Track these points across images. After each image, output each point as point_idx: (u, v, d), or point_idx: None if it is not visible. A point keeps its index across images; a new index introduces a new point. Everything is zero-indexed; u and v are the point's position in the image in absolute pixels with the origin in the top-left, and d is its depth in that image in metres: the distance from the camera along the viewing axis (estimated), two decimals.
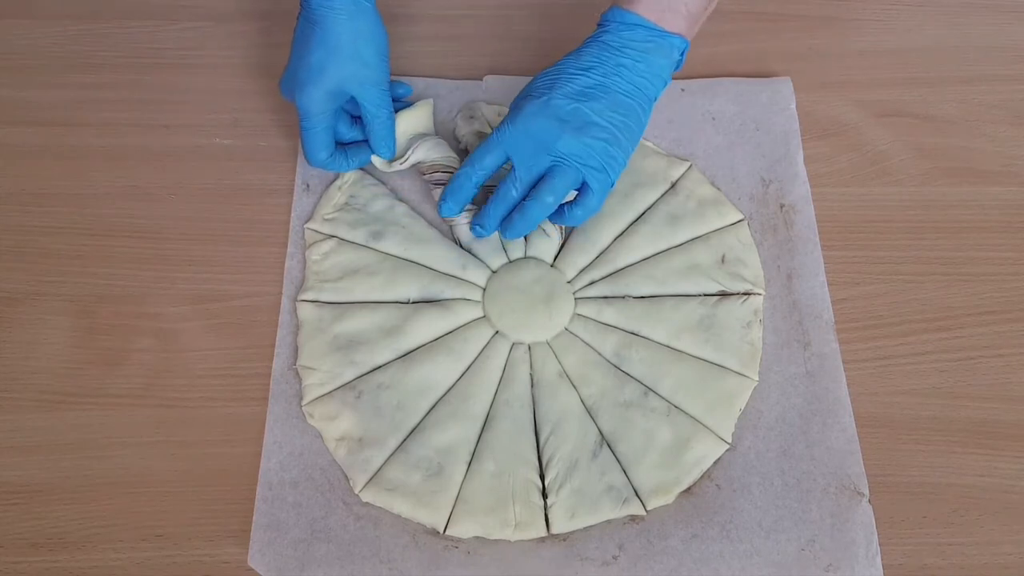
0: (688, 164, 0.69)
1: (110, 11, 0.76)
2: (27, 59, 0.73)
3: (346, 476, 0.57)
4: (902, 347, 0.63)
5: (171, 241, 0.65)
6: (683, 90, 0.72)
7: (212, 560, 0.55)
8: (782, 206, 0.67)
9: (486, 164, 0.60)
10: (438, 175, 0.65)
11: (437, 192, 0.65)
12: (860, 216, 0.68)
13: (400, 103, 0.68)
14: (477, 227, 0.62)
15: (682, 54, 0.60)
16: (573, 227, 0.66)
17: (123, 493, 0.56)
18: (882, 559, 0.55)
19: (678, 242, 0.65)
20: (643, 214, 0.66)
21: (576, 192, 0.60)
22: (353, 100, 0.63)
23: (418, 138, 0.66)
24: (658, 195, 0.67)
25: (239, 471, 0.57)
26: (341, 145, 0.66)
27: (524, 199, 0.59)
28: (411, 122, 0.67)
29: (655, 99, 0.60)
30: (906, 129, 0.72)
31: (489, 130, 0.68)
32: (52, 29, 0.75)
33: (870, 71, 0.75)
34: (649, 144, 0.70)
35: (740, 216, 0.66)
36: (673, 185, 0.68)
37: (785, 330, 0.63)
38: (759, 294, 0.63)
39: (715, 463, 0.58)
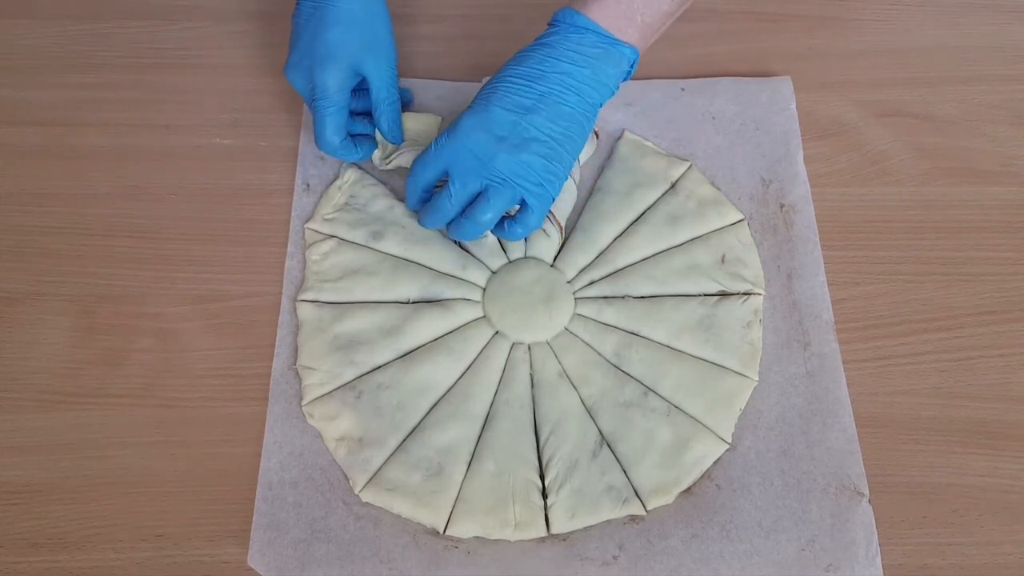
0: (688, 164, 0.69)
1: (110, 11, 0.76)
2: (27, 59, 0.73)
3: (346, 476, 0.57)
4: (902, 347, 0.63)
5: (171, 241, 0.65)
6: (683, 90, 0.72)
7: (212, 560, 0.55)
8: (782, 206, 0.67)
9: (427, 178, 0.59)
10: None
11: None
12: (860, 216, 0.68)
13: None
14: (420, 221, 0.62)
15: (632, 65, 0.59)
16: (573, 226, 0.66)
17: (123, 493, 0.56)
18: (882, 559, 0.55)
19: (678, 242, 0.65)
20: (643, 214, 0.66)
21: (518, 206, 0.60)
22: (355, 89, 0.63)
23: (410, 143, 0.67)
24: (658, 195, 0.67)
25: (239, 471, 0.57)
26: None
27: (462, 215, 0.59)
28: (415, 124, 0.68)
29: (600, 105, 0.59)
30: (906, 129, 0.72)
31: None
32: (52, 29, 0.75)
33: (870, 71, 0.75)
34: (649, 144, 0.70)
35: (740, 216, 0.66)
36: (673, 185, 0.68)
37: (785, 330, 0.63)
38: (759, 294, 0.63)
39: (715, 463, 0.58)
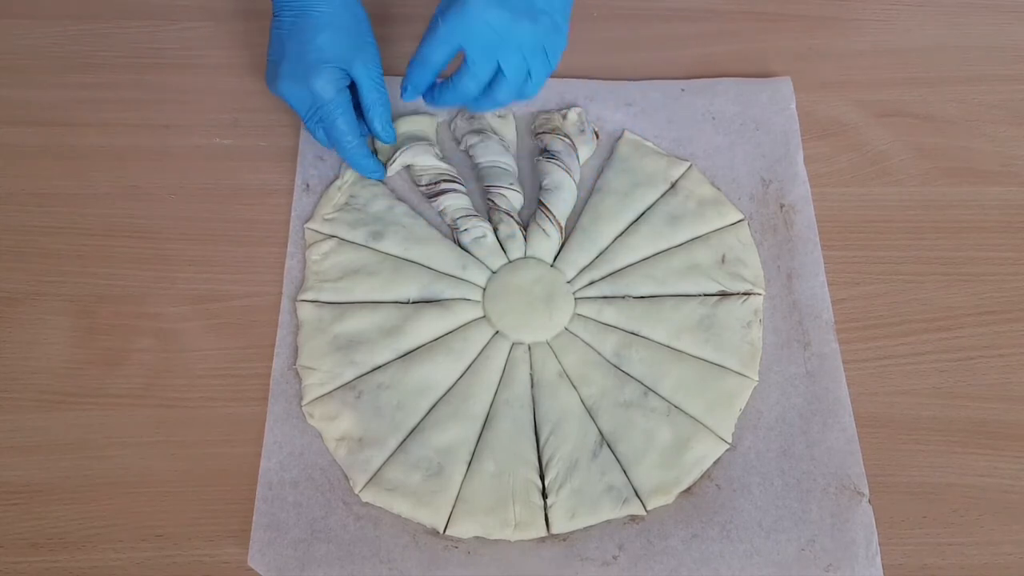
0: (688, 164, 0.68)
1: (110, 11, 0.76)
2: (27, 59, 0.73)
3: (346, 476, 0.57)
4: (902, 347, 0.63)
5: (171, 241, 0.65)
6: (683, 90, 0.72)
7: (212, 560, 0.55)
8: (782, 206, 0.67)
9: (438, 59, 0.59)
10: (443, 184, 0.65)
11: (435, 203, 0.66)
12: (860, 216, 0.68)
13: None
14: (428, 102, 0.63)
15: None
16: (573, 226, 0.66)
17: (123, 493, 0.56)
18: (882, 559, 0.55)
19: (678, 242, 0.65)
20: (643, 214, 0.66)
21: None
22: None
23: (408, 140, 0.67)
24: (658, 195, 0.67)
25: (239, 471, 0.57)
26: None
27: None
28: (411, 127, 0.68)
29: None
30: (906, 129, 0.72)
31: (491, 131, 0.68)
32: (52, 29, 0.75)
33: (870, 71, 0.75)
34: (649, 144, 0.70)
35: (740, 216, 0.66)
36: (673, 185, 0.68)
37: (785, 330, 0.63)
38: (759, 294, 0.63)
39: (715, 463, 0.58)
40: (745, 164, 0.69)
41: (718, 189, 0.68)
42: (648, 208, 0.67)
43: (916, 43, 0.77)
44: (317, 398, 0.59)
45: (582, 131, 0.69)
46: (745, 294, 0.63)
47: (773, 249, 0.66)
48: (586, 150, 0.68)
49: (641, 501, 0.56)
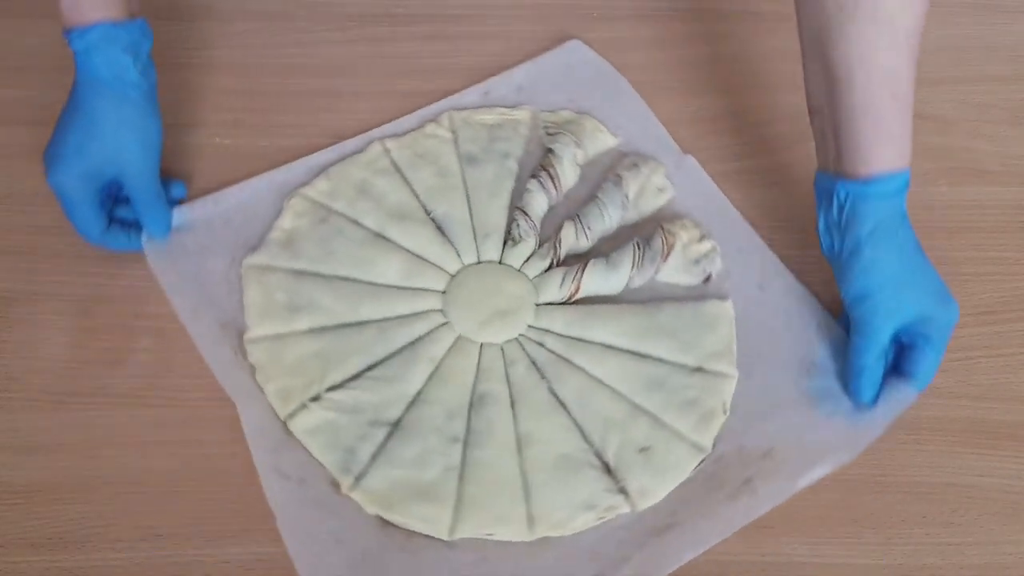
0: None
1: None
2: (27, 59, 0.73)
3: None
4: None
5: None
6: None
7: (212, 560, 0.55)
8: None
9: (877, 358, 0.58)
10: None
11: None
12: None
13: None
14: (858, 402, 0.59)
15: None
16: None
17: (123, 493, 0.56)
18: (882, 559, 0.55)
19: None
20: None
21: None
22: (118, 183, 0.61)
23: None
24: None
25: (239, 471, 0.57)
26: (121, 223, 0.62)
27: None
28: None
29: None
30: None
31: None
32: (52, 29, 0.74)
33: None
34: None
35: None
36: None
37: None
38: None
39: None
40: None
41: None
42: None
43: None
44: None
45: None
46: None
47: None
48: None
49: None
